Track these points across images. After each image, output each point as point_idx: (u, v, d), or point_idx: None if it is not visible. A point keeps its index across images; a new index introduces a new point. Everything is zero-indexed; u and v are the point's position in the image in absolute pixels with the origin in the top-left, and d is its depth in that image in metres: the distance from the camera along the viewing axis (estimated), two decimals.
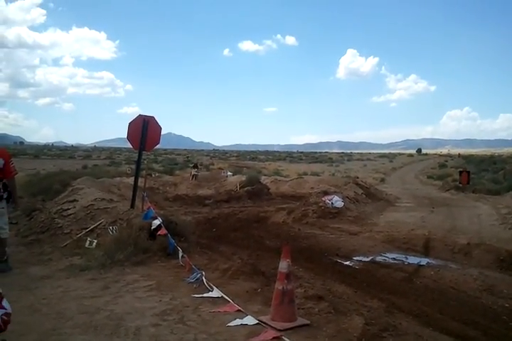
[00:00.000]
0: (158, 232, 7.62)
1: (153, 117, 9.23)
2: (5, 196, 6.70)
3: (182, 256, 6.95)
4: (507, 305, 5.90)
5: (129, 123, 9.10)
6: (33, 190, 13.85)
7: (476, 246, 8.97)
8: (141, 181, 10.07)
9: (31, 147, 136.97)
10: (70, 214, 9.07)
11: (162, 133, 9.63)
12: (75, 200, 9.59)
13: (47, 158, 64.96)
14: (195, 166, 31.84)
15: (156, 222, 7.73)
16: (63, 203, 9.66)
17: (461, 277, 7.02)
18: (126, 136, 9.17)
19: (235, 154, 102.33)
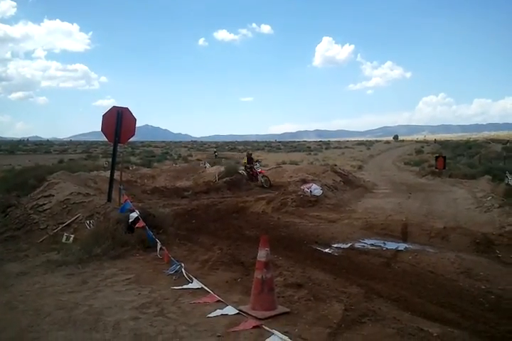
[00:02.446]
0: (136, 225, 7.57)
1: (127, 108, 9.12)
2: None
3: (160, 249, 6.92)
4: (483, 287, 6.00)
5: (103, 116, 8.97)
6: (7, 185, 13.59)
7: (453, 230, 9.11)
8: (117, 174, 9.96)
9: (6, 143, 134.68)
10: (46, 210, 8.95)
11: (139, 125, 9.53)
12: (50, 195, 9.44)
13: (22, 154, 63.94)
14: (250, 158, 20.81)
15: (134, 215, 7.68)
16: (39, 198, 9.50)
17: (439, 261, 7.11)
18: (100, 129, 9.05)
19: (214, 145, 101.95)
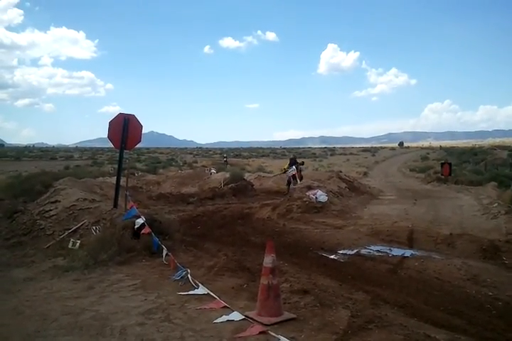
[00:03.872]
0: (142, 231, 7.59)
1: (133, 115, 9.17)
2: None
3: (166, 255, 6.93)
4: (490, 293, 5.97)
5: (110, 122, 9.03)
6: (14, 191, 13.65)
7: (459, 236, 9.08)
8: (123, 180, 10.01)
9: (12, 149, 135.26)
10: (53, 216, 8.99)
11: (144, 131, 9.58)
12: (57, 201, 9.49)
13: (28, 160, 64.24)
14: (293, 163, 17.54)
15: (140, 221, 7.70)
16: (45, 204, 9.55)
17: (445, 267, 7.08)
18: (107, 135, 9.10)
19: (219, 151, 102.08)
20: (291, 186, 16.32)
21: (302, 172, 17.74)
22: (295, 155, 20.65)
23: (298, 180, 16.58)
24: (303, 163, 17.98)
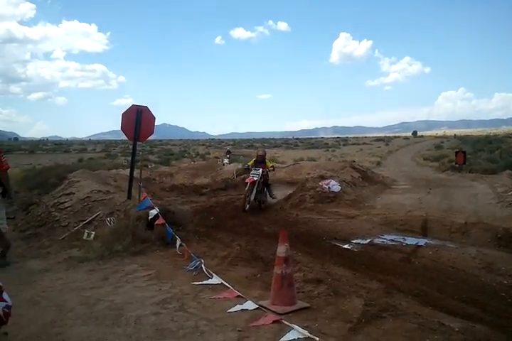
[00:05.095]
0: (156, 222, 7.63)
1: (146, 107, 9.19)
2: (0, 190, 6.69)
3: (180, 245, 6.97)
4: (505, 282, 5.94)
5: (123, 114, 9.07)
6: (29, 184, 13.81)
7: (474, 225, 9.01)
8: (137, 172, 10.05)
9: (26, 142, 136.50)
10: (67, 207, 9.06)
11: (157, 123, 9.60)
12: (71, 193, 9.56)
13: (42, 153, 64.78)
14: (261, 161, 13.19)
15: (153, 212, 7.74)
16: (60, 196, 9.63)
17: (460, 256, 7.05)
18: (120, 127, 9.14)
19: (231, 143, 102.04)
20: (251, 196, 12.28)
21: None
22: (265, 151, 14.40)
23: (254, 191, 12.34)
24: (273, 168, 13.65)
